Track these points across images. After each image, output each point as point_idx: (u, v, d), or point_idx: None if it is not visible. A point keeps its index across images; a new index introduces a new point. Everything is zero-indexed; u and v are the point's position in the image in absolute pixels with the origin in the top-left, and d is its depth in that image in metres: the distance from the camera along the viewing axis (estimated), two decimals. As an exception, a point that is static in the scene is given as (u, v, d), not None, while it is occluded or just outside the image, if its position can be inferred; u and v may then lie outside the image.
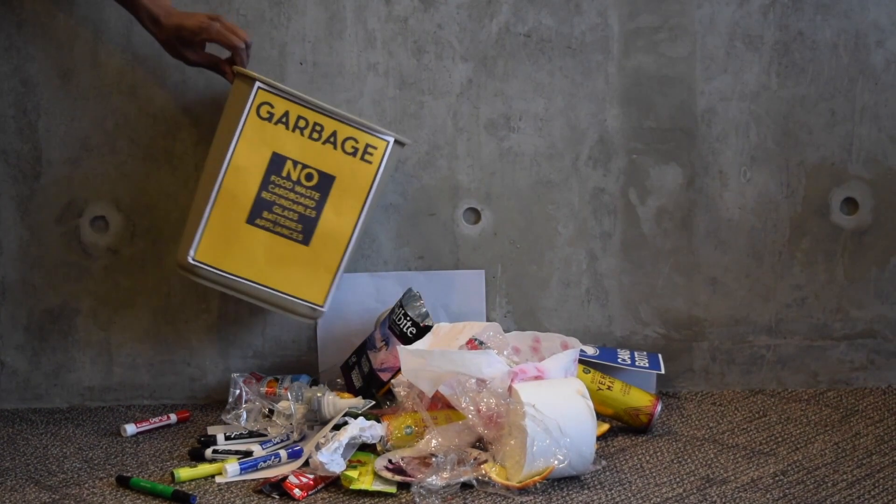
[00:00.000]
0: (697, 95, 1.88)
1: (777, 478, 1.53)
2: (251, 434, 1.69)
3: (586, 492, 1.50)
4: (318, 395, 1.69)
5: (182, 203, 1.89)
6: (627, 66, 1.88)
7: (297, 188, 1.71)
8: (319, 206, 1.71)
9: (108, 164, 1.89)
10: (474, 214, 1.91)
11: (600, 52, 1.87)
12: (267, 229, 1.71)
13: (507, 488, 1.49)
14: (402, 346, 1.64)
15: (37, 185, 1.88)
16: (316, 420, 1.69)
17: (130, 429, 1.77)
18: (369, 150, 1.71)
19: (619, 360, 1.82)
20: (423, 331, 1.73)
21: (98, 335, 1.91)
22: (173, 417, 1.82)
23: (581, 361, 1.74)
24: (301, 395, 1.71)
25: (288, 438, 1.67)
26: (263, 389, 1.79)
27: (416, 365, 1.60)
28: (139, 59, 1.86)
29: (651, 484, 1.52)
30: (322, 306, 1.74)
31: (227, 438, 1.68)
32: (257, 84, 1.69)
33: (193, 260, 1.70)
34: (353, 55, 1.87)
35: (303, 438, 1.67)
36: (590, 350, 1.83)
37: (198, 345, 1.92)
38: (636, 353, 1.87)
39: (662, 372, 1.83)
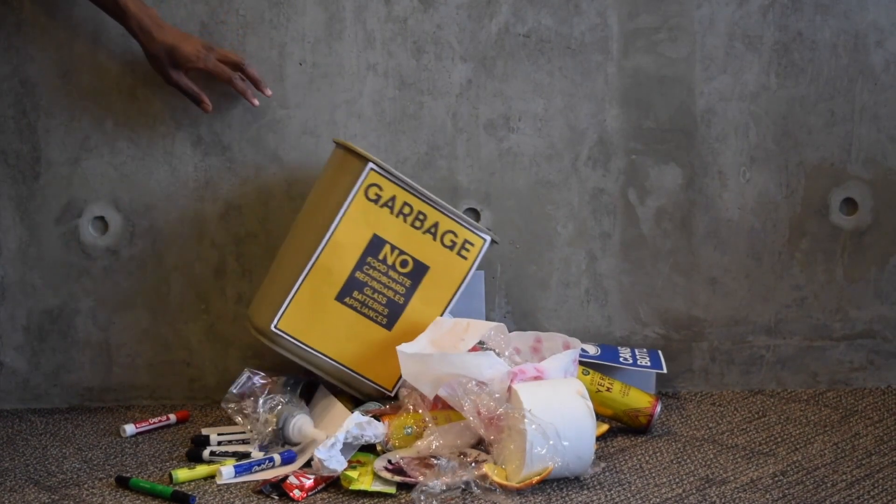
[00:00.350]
0: (697, 96, 1.88)
1: (776, 478, 1.53)
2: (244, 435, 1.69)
3: (586, 492, 1.50)
4: (287, 414, 1.65)
5: (182, 204, 1.89)
6: (627, 67, 1.88)
7: (391, 273, 1.70)
8: (409, 294, 1.71)
9: (108, 165, 1.89)
10: (474, 215, 1.91)
11: (600, 53, 1.87)
12: (354, 309, 1.70)
13: (507, 489, 1.49)
14: (401, 348, 1.64)
15: (36, 185, 1.88)
16: (282, 439, 1.65)
17: (130, 429, 1.77)
18: (467, 245, 1.71)
19: (621, 360, 1.82)
20: None
21: (97, 336, 1.91)
22: (172, 418, 1.83)
23: (582, 362, 1.74)
24: (274, 407, 1.67)
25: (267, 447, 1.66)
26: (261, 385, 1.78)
27: (415, 368, 1.59)
28: (139, 59, 1.86)
29: (651, 484, 1.52)
30: (390, 391, 1.73)
31: (220, 436, 1.68)
32: (370, 165, 1.68)
33: (276, 328, 1.69)
34: (353, 55, 1.87)
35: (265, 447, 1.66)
36: (591, 349, 1.83)
37: (197, 345, 1.92)
38: (637, 351, 1.87)
39: (664, 371, 1.83)
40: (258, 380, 1.74)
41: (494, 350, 1.67)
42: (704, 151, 1.89)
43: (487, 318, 1.89)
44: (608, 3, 1.86)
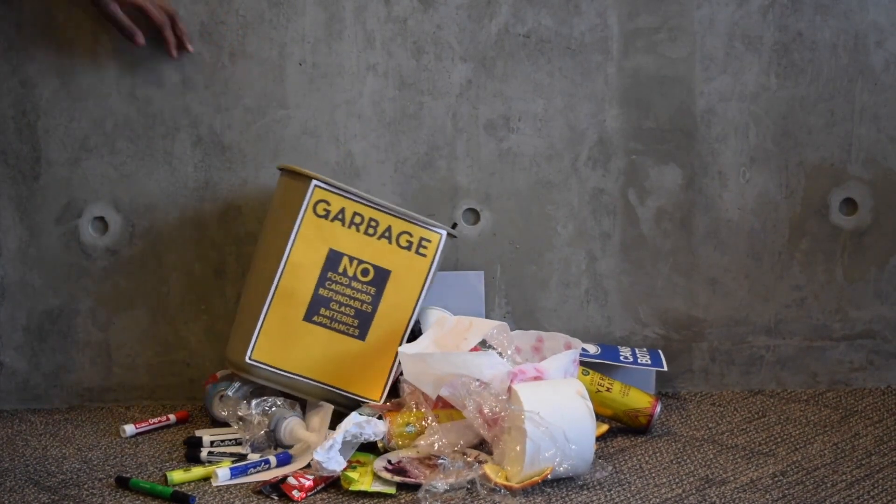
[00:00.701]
0: (697, 96, 1.88)
1: (776, 478, 1.53)
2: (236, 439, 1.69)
3: (586, 492, 1.50)
4: (279, 416, 1.65)
5: (182, 204, 1.89)
6: (627, 67, 1.88)
7: (354, 283, 1.70)
8: (376, 301, 1.71)
9: (108, 165, 1.89)
10: (473, 215, 1.91)
11: (600, 53, 1.87)
12: (324, 326, 1.70)
13: (508, 489, 1.49)
14: (402, 349, 1.64)
15: (36, 185, 1.89)
16: (274, 442, 1.65)
17: (130, 429, 1.77)
18: (423, 243, 1.72)
19: (622, 358, 1.82)
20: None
21: (97, 336, 1.91)
22: (172, 418, 1.83)
23: (582, 362, 1.74)
24: (267, 410, 1.67)
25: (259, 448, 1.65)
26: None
27: (417, 368, 1.59)
28: (139, 60, 1.86)
29: (650, 484, 1.52)
30: (378, 402, 1.72)
31: (213, 437, 1.68)
32: (314, 182, 1.69)
33: (251, 360, 1.69)
34: (353, 56, 1.87)
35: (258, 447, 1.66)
36: (591, 349, 1.83)
37: (197, 345, 1.92)
38: (637, 350, 1.87)
39: (665, 368, 1.83)
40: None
41: (496, 349, 1.67)
42: (704, 152, 1.89)
43: (487, 318, 1.89)
44: (608, 4, 1.86)
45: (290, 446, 1.64)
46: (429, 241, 1.72)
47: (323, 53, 1.87)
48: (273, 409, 1.66)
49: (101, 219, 1.90)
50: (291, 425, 1.64)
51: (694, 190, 1.89)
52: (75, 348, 1.91)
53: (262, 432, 1.64)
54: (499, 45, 1.87)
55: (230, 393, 1.74)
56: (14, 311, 1.91)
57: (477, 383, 1.58)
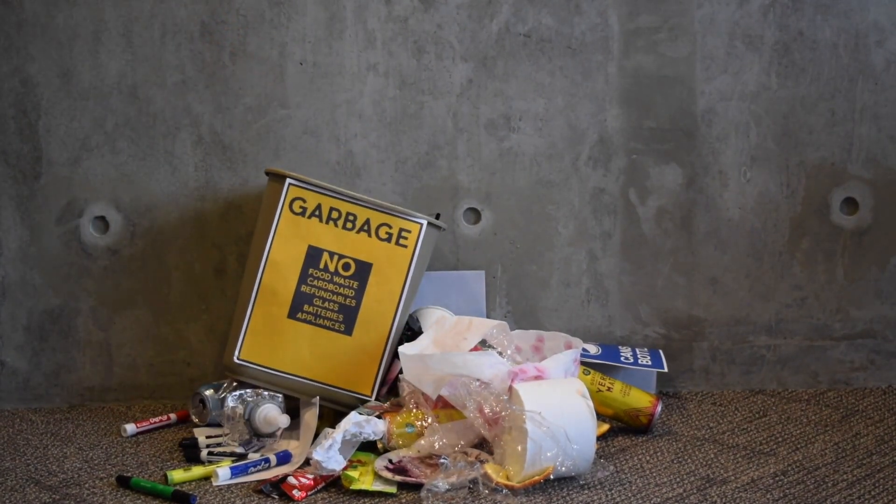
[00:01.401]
0: (697, 95, 1.88)
1: (777, 478, 1.53)
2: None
3: (586, 492, 1.50)
4: (253, 405, 1.65)
5: (182, 203, 1.89)
6: (627, 67, 1.88)
7: (336, 279, 1.71)
8: (359, 295, 1.71)
9: (108, 164, 1.89)
10: (474, 214, 1.91)
11: (600, 52, 1.87)
12: (309, 322, 1.71)
13: (510, 488, 1.49)
14: (402, 349, 1.64)
15: (37, 185, 1.89)
16: (252, 431, 1.66)
17: (130, 429, 1.77)
18: (403, 234, 1.72)
19: (622, 359, 1.82)
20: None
21: (98, 335, 1.91)
22: (173, 417, 1.82)
23: (583, 362, 1.74)
24: (245, 400, 1.67)
25: (250, 444, 1.65)
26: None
27: (417, 369, 1.59)
28: (139, 59, 1.86)
29: (651, 484, 1.52)
30: (370, 397, 1.72)
31: (209, 438, 1.68)
32: (288, 181, 1.70)
33: (239, 360, 1.70)
34: (354, 55, 1.87)
35: (247, 443, 1.66)
36: (592, 349, 1.83)
37: (198, 345, 1.92)
38: (638, 351, 1.87)
39: (665, 370, 1.83)
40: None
41: (496, 349, 1.67)
42: (705, 151, 1.89)
43: (488, 318, 1.89)
44: (608, 3, 1.86)
45: (269, 434, 1.64)
46: (409, 231, 1.72)
47: (323, 53, 1.87)
48: (250, 399, 1.66)
49: (102, 218, 1.90)
50: (265, 412, 1.64)
51: (694, 189, 1.90)
52: (76, 348, 1.92)
53: (242, 423, 1.64)
54: (499, 44, 1.87)
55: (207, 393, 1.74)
56: (15, 310, 1.91)
57: (477, 383, 1.58)
